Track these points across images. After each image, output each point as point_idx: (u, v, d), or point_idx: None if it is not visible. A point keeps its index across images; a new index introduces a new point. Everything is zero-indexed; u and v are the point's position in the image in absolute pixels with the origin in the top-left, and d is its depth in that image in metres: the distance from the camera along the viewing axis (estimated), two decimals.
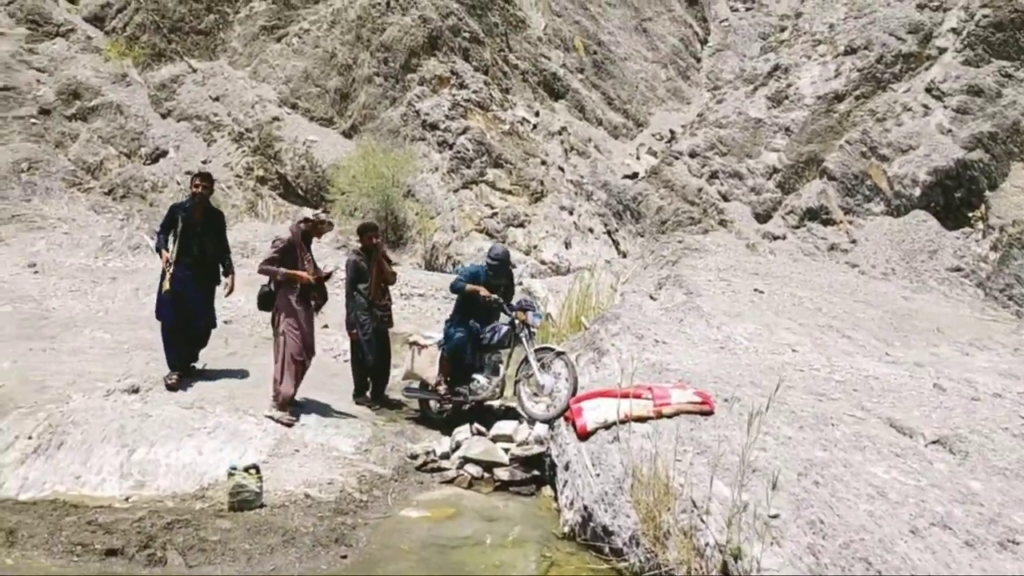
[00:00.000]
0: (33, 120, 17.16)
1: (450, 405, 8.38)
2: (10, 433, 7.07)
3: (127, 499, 6.38)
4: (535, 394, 7.64)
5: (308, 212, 8.32)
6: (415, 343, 8.60)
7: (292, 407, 7.84)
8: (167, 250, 8.03)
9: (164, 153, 17.76)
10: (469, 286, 8.00)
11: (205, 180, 8.35)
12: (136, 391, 7.89)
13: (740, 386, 6.62)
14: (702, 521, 4.77)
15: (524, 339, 7.82)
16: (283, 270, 7.78)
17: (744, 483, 4.79)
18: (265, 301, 7.89)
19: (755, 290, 10.99)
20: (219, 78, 19.04)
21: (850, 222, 16.49)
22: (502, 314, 8.16)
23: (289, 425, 7.54)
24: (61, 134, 17.23)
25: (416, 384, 8.57)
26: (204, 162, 17.55)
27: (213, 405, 7.73)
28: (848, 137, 17.16)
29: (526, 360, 7.75)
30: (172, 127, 18.20)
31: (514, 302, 8.28)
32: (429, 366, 8.35)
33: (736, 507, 4.60)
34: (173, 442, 6.98)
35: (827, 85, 17.96)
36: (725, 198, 18.22)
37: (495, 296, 7.99)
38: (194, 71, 19.14)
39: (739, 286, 11.19)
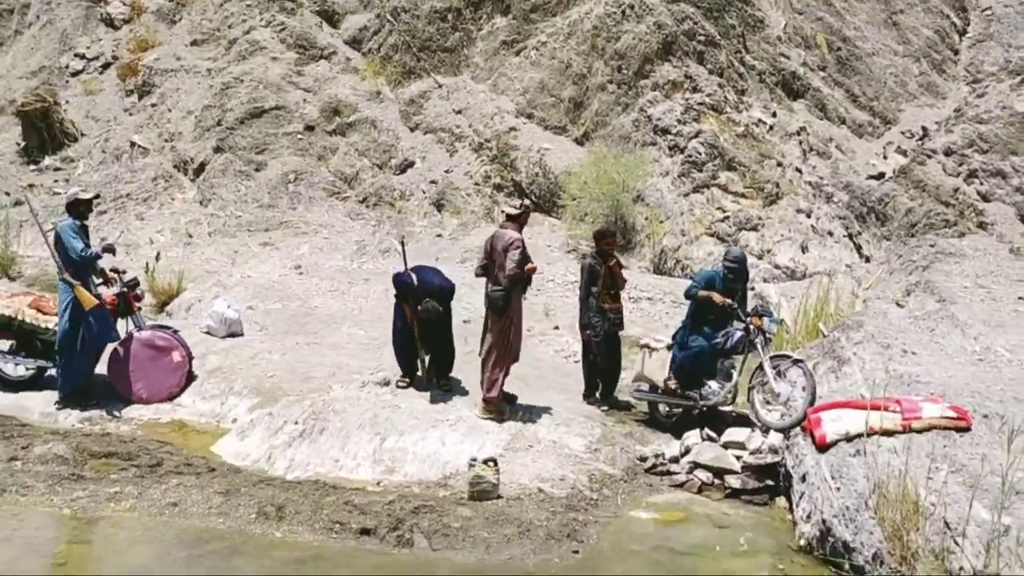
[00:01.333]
0: (299, 136, 18.90)
1: (679, 409, 8.31)
2: (280, 418, 7.87)
3: (378, 483, 6.91)
4: (769, 402, 7.42)
5: (510, 204, 8.36)
6: (646, 346, 8.56)
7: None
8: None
9: (411, 164, 18.93)
10: (702, 292, 7.87)
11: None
12: (387, 384, 8.51)
13: (1002, 401, 6.09)
14: (956, 543, 4.46)
15: (759, 345, 7.62)
16: (531, 265, 7.90)
17: (1006, 505, 4.41)
18: (505, 302, 7.82)
19: (1019, 298, 10.03)
20: (462, 92, 20.01)
21: None
22: (736, 319, 7.97)
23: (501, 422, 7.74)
24: (323, 148, 18.84)
25: (646, 387, 8.53)
26: (446, 171, 18.51)
27: (455, 399, 8.18)
28: None
29: (761, 367, 7.54)
30: (419, 139, 19.36)
31: (748, 307, 8.03)
32: (659, 369, 8.27)
33: (996, 530, 4.25)
34: (419, 432, 7.46)
35: None
36: (985, 199, 16.68)
37: (730, 301, 7.80)
38: (440, 86, 20.24)
39: (1000, 294, 10.27)
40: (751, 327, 7.68)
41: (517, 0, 20.41)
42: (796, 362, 7.38)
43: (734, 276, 7.97)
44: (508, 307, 7.83)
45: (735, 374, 7.97)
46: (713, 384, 7.97)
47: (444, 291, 8.43)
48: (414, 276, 8.31)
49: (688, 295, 8.12)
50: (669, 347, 8.29)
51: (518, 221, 7.97)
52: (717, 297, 7.76)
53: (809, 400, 6.90)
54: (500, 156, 18.45)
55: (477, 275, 8.34)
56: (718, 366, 8.04)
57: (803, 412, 6.81)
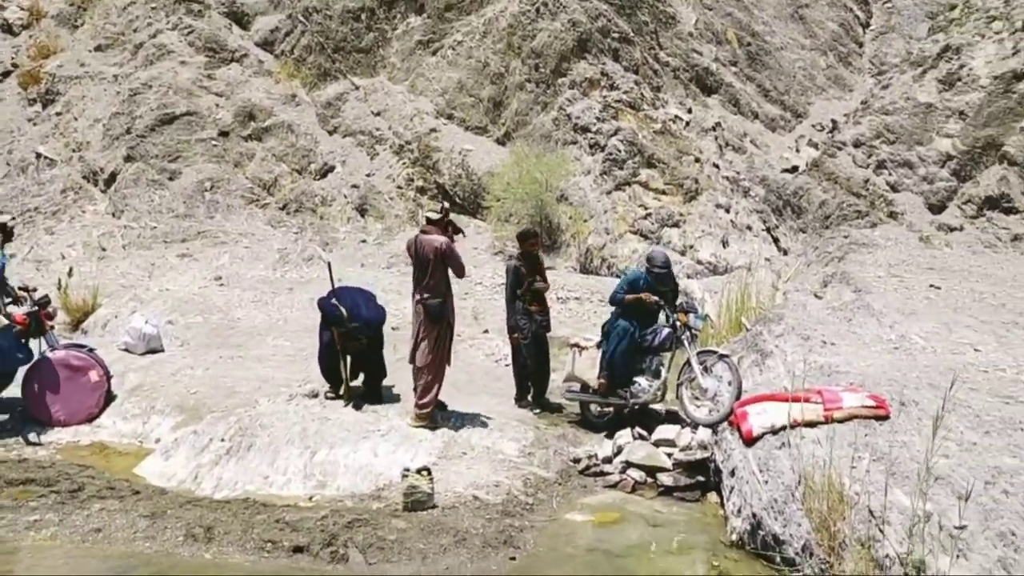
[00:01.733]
0: (214, 142, 18.46)
1: (611, 409, 8.38)
2: (205, 436, 7.67)
3: (310, 498, 6.80)
4: (697, 398, 7.54)
5: (431, 209, 8.37)
6: (576, 345, 8.62)
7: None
8: None
9: (332, 168, 18.69)
10: (629, 296, 7.94)
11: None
12: (315, 396, 8.39)
13: (918, 389, 6.29)
14: (881, 531, 4.59)
15: (686, 341, 7.73)
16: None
17: (926, 492, 4.57)
18: (442, 310, 7.79)
19: (931, 286, 10.40)
20: (379, 94, 19.84)
21: None
22: (662, 316, 8.07)
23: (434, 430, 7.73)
24: (239, 154, 18.45)
25: (577, 387, 8.57)
26: (368, 175, 18.32)
27: (385, 409, 8.10)
28: None
29: (688, 363, 7.65)
30: (338, 143, 19.12)
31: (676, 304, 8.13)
32: (590, 368, 8.33)
33: (918, 517, 4.39)
34: (350, 444, 7.37)
35: (1004, 64, 16.73)
36: (894, 189, 17.32)
37: (655, 298, 7.90)
38: (357, 88, 20.03)
39: (913, 282, 10.63)
40: (677, 324, 7.81)
41: None
42: (722, 357, 7.52)
43: (658, 280, 8.04)
44: (444, 314, 7.78)
45: (663, 371, 8.05)
46: (642, 382, 8.02)
47: (373, 324, 8.35)
48: (343, 309, 8.11)
49: (614, 301, 8.17)
50: (599, 345, 8.36)
51: (440, 224, 7.87)
52: (646, 296, 7.85)
53: (735, 394, 7.01)
54: (422, 158, 18.37)
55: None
56: (646, 363, 8.10)
57: (730, 406, 6.92)
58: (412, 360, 7.93)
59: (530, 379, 8.94)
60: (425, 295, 7.75)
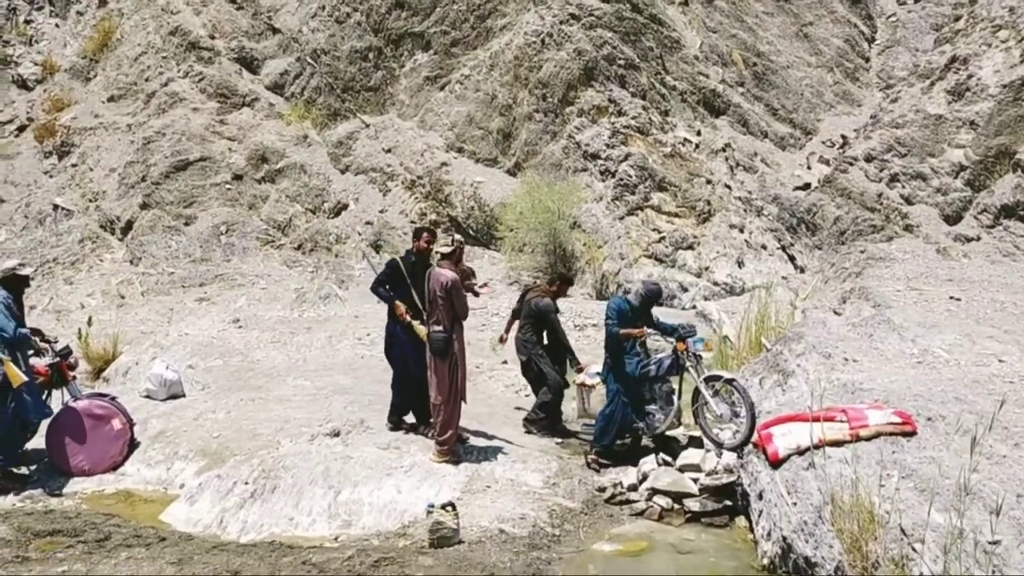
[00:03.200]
0: (228, 186, 18.66)
1: (629, 438, 8.29)
2: (229, 479, 7.65)
3: (336, 538, 6.76)
4: (716, 422, 7.47)
5: (443, 243, 8.13)
6: (583, 384, 8.64)
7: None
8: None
9: (345, 206, 18.84)
10: (623, 331, 7.79)
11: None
12: (337, 434, 8.36)
13: (944, 403, 6.22)
14: (914, 550, 4.52)
15: (691, 368, 7.67)
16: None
17: (960, 508, 4.49)
18: (447, 345, 7.71)
19: (951, 297, 10.32)
20: (390, 130, 20.02)
21: None
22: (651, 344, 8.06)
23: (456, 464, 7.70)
24: (253, 196, 18.64)
25: (592, 422, 8.43)
26: (381, 211, 18.44)
27: (408, 445, 8.07)
28: None
29: (698, 390, 7.60)
30: (351, 181, 19.28)
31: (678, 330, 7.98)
32: (600, 404, 8.29)
33: (952, 534, 4.32)
34: (374, 482, 7.34)
35: (1012, 72, 16.69)
36: (908, 201, 17.24)
37: (649, 331, 7.92)
38: (367, 126, 20.23)
39: (932, 294, 10.55)
40: (679, 352, 7.74)
41: (437, 35, 20.55)
42: (729, 381, 7.44)
43: (642, 305, 7.97)
44: (450, 349, 7.72)
45: (675, 397, 7.97)
46: (655, 412, 7.97)
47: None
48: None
49: (611, 335, 7.91)
50: (604, 379, 8.22)
51: (452, 259, 7.82)
52: (637, 332, 7.81)
53: (752, 415, 6.97)
54: (434, 192, 18.47)
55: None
56: (656, 391, 8.03)
57: (751, 428, 6.89)
58: (430, 398, 7.90)
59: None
60: (432, 329, 7.74)
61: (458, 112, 19.85)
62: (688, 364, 7.68)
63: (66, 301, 15.64)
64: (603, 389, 8.28)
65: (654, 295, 8.05)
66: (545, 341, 9.02)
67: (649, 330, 7.94)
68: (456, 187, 18.55)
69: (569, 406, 9.16)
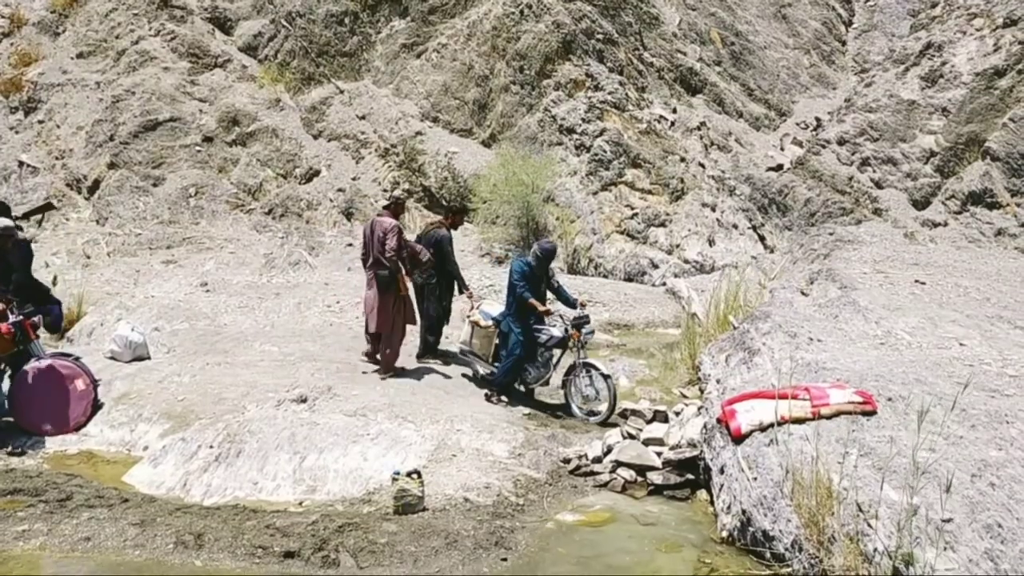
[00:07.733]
0: (198, 148, 18.40)
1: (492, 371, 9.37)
2: (193, 443, 7.63)
3: (300, 503, 6.77)
4: (584, 398, 8.96)
5: (385, 198, 10.06)
6: (475, 322, 9.61)
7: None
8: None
9: (317, 172, 18.66)
10: (532, 300, 8.78)
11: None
12: (304, 400, 8.35)
13: (904, 384, 6.33)
14: (869, 525, 4.61)
15: (575, 350, 9.04)
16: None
17: (913, 486, 4.60)
18: (393, 279, 9.10)
19: (916, 281, 10.45)
20: (364, 97, 19.81)
21: (1018, 204, 15.41)
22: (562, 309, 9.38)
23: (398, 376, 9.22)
24: (223, 159, 18.40)
25: (471, 350, 9.69)
26: (353, 179, 18.29)
27: (375, 413, 8.07)
28: (1012, 114, 16.05)
29: (574, 365, 9.02)
30: (323, 147, 19.08)
31: (572, 314, 9.20)
32: (483, 342, 9.49)
33: (906, 511, 4.42)
34: (340, 449, 7.35)
35: (986, 60, 16.87)
36: (878, 185, 17.42)
37: (549, 309, 8.95)
38: (341, 92, 20.00)
39: (898, 278, 10.68)
40: (570, 336, 8.99)
41: (415, 2, 20.33)
42: (606, 377, 8.82)
43: (539, 264, 8.96)
44: (395, 284, 9.14)
45: (551, 363, 9.28)
46: (530, 369, 9.22)
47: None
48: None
49: (518, 296, 8.87)
50: (496, 324, 9.33)
51: (391, 210, 9.51)
52: (541, 309, 8.84)
53: (611, 402, 8.67)
54: (407, 161, 18.35)
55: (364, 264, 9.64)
56: (539, 355, 9.17)
57: (608, 413, 8.63)
58: (368, 329, 9.46)
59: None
60: (377, 271, 9.17)
61: (434, 81, 19.70)
62: (574, 346, 9.02)
63: None
64: (491, 331, 9.40)
65: (549, 254, 9.01)
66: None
67: (552, 310, 9.08)
68: (430, 157, 18.44)
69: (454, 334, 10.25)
